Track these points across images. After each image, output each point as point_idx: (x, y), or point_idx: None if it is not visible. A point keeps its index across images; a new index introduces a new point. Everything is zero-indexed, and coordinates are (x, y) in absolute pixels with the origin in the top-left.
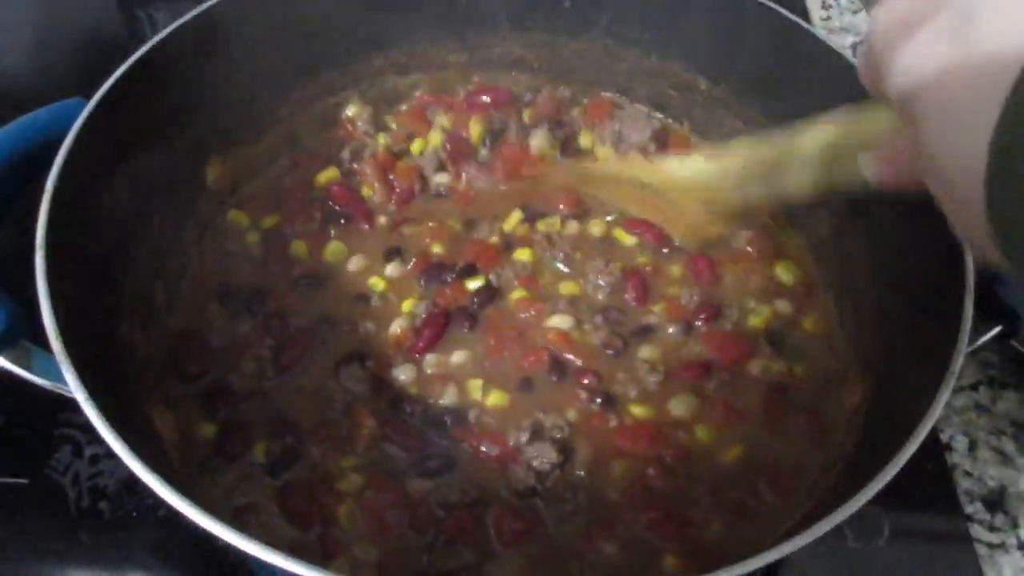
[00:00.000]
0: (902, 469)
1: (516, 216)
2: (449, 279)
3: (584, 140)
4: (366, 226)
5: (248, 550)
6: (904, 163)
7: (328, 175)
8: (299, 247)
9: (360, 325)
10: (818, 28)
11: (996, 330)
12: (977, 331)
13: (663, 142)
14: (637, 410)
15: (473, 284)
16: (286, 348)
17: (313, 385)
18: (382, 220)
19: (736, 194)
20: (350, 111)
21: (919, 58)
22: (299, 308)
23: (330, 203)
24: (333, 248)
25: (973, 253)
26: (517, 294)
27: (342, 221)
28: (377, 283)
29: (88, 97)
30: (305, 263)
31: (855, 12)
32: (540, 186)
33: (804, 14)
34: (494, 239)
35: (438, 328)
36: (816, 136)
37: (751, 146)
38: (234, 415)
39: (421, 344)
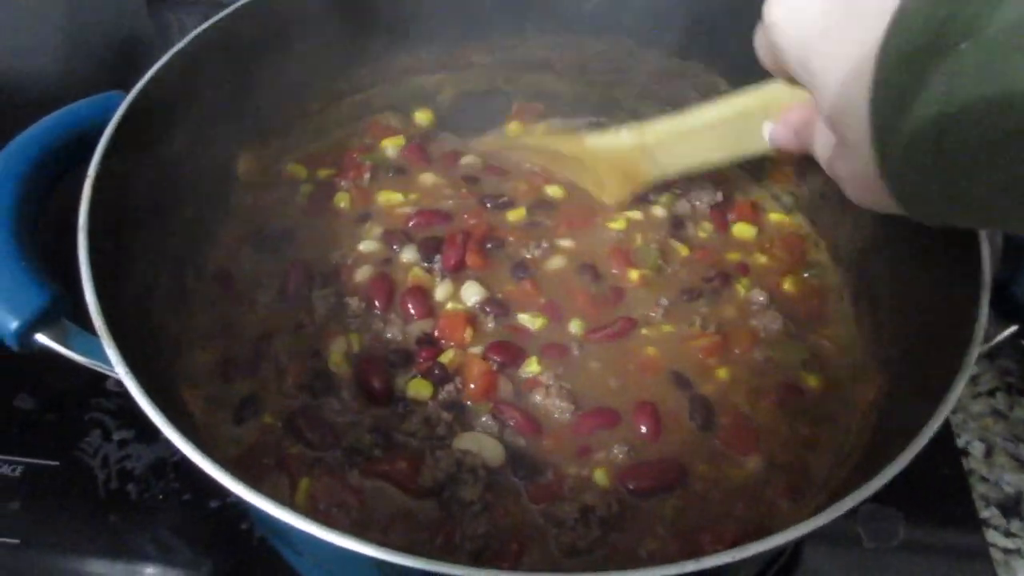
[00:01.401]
0: (918, 472)
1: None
2: None
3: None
4: None
5: (279, 515)
6: (799, 127)
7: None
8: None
9: None
10: None
11: (1012, 330)
12: (993, 331)
13: (730, 204)
14: None
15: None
16: None
17: None
18: None
19: (651, 165)
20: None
21: (805, 18)
22: None
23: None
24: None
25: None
26: None
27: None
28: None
29: (124, 92)
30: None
31: None
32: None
33: None
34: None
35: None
36: (726, 108)
37: (667, 121)
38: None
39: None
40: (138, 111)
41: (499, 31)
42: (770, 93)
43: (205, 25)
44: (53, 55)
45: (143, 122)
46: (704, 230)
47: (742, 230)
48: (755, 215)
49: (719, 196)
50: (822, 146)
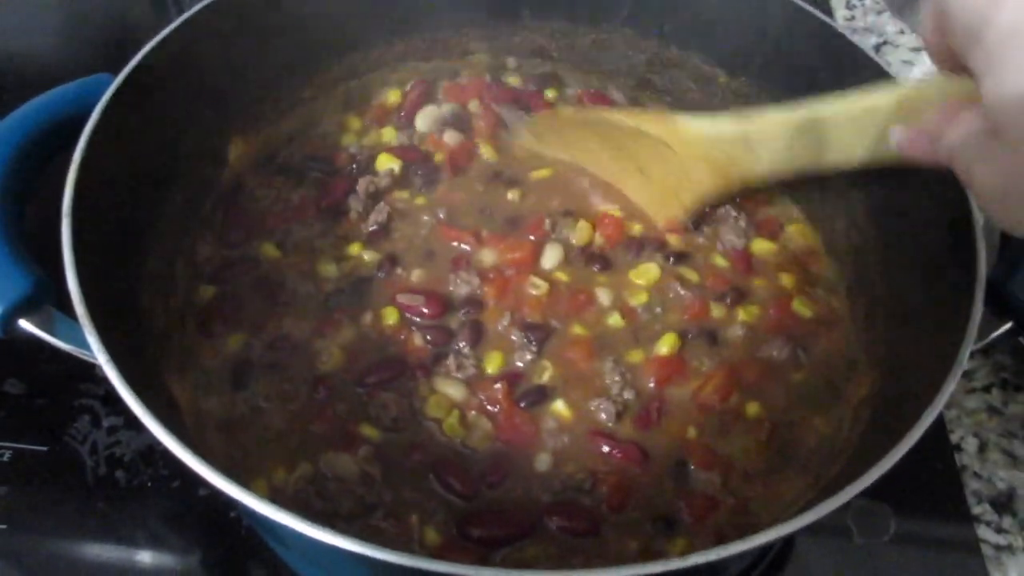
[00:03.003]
0: (910, 468)
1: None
2: None
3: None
4: None
5: (266, 513)
6: (938, 132)
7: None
8: None
9: None
10: (842, 27)
11: (1007, 326)
12: (988, 327)
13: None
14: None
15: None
16: None
17: None
18: None
19: (752, 161)
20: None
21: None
22: None
23: None
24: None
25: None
26: None
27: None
28: None
29: (115, 74)
30: None
31: (879, 13)
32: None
33: (828, 13)
34: None
35: None
36: (849, 105)
37: (783, 113)
38: None
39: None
40: (127, 94)
41: (496, 18)
42: (904, 94)
43: (196, 8)
44: (49, 35)
45: (132, 106)
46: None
47: (761, 246)
48: (774, 230)
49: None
50: (968, 148)
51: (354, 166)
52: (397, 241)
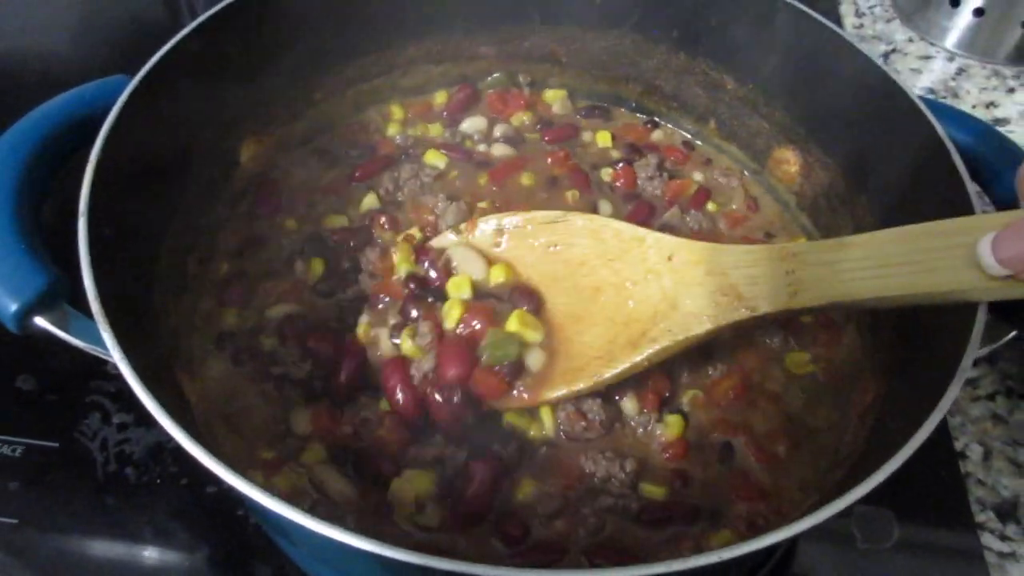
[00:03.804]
0: (914, 474)
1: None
2: None
3: None
4: None
5: (271, 506)
6: None
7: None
8: None
9: None
10: (851, 35)
11: (1011, 335)
12: (993, 335)
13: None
14: None
15: None
16: None
17: None
18: None
19: (783, 293)
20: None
21: None
22: None
23: None
24: None
25: None
26: None
27: None
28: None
29: (131, 76)
30: None
31: (888, 21)
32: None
33: (837, 21)
34: None
35: None
36: (911, 229)
37: (824, 243)
38: None
39: None
40: (142, 96)
41: (507, 23)
42: (974, 222)
43: (210, 12)
44: (66, 35)
45: (147, 107)
46: None
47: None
48: None
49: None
50: None
51: (404, 155)
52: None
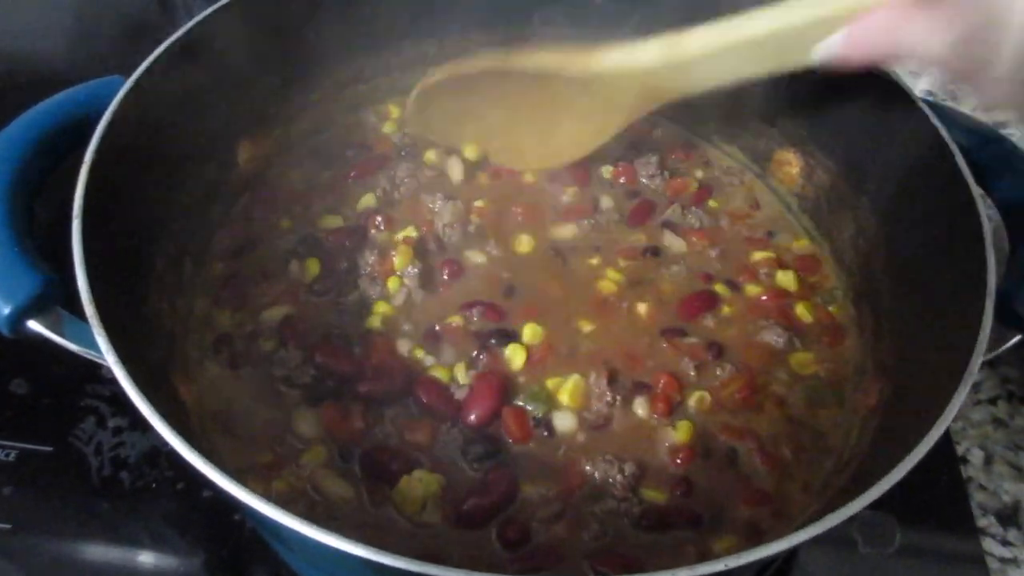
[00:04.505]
0: (916, 479)
1: None
2: None
3: None
4: None
5: (267, 512)
6: (885, 29)
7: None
8: None
9: None
10: None
11: (1016, 339)
12: (997, 340)
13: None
14: None
15: None
16: None
17: None
18: None
19: (683, 81)
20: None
21: None
22: None
23: None
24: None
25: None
26: None
27: None
28: None
29: (126, 76)
30: None
31: None
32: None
33: None
34: None
35: None
36: (782, 18)
37: (707, 32)
38: None
39: None
40: (137, 97)
41: (505, 23)
42: (836, 4)
43: (206, 12)
44: (59, 34)
45: (142, 108)
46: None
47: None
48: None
49: None
50: (933, 32)
51: (403, 152)
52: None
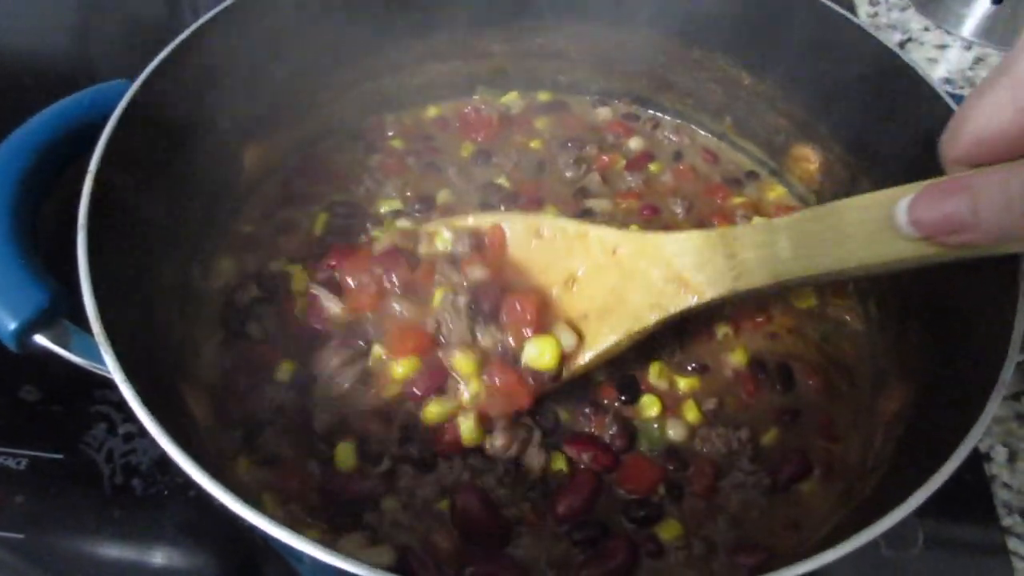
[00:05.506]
0: None
1: None
2: None
3: None
4: None
5: (273, 533)
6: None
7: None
8: None
9: None
10: (866, 24)
11: None
12: None
13: None
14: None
15: None
16: None
17: None
18: None
19: (726, 276)
20: None
21: None
22: None
23: None
24: None
25: None
26: None
27: None
28: None
29: (131, 80)
30: None
31: (903, 9)
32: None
33: (851, 10)
34: None
35: None
36: (852, 202)
37: (763, 224)
38: None
39: None
40: (143, 101)
41: (517, 20)
42: (889, 193)
43: (211, 13)
44: (64, 36)
45: (148, 113)
46: None
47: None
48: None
49: None
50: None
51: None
52: None
